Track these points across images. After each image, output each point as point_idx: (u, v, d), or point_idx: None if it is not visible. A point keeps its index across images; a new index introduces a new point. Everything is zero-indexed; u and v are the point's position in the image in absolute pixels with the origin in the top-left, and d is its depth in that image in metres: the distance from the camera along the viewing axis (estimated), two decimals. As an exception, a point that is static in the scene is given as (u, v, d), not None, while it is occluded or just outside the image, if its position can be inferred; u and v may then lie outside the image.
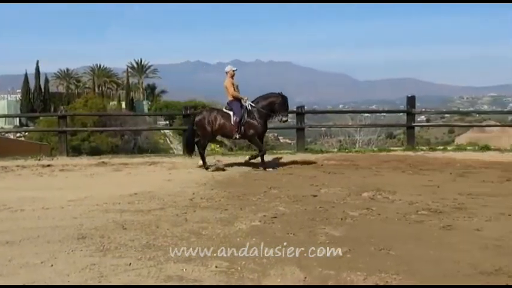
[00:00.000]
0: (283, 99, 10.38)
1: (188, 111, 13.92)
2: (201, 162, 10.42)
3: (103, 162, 11.80)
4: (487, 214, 5.79)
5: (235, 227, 5.39)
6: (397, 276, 3.82)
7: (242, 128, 10.20)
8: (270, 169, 9.99)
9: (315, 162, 10.99)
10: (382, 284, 3.71)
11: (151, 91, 78.88)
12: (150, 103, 72.68)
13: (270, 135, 45.38)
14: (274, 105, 10.32)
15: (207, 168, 10.13)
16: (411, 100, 14.14)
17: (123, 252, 4.56)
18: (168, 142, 48.52)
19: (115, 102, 66.29)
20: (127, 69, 76.51)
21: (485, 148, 13.31)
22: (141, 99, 75.48)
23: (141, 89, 77.98)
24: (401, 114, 15.00)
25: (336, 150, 15.04)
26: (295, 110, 13.91)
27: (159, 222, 5.61)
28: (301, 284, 3.78)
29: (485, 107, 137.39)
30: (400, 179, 8.70)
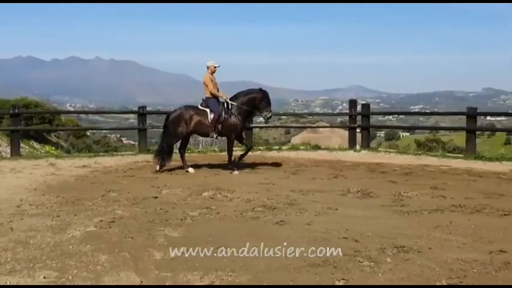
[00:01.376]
0: (264, 95, 9.93)
1: (17, 110, 13.00)
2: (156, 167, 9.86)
3: None
4: (316, 209, 6.23)
5: (68, 234, 5.09)
6: (232, 273, 3.93)
7: (219, 126, 9.76)
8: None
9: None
10: (218, 282, 3.79)
11: (-26, 88, 70.92)
12: (-27, 101, 65.28)
13: (112, 135, 43.66)
14: (255, 101, 9.88)
15: (187, 171, 9.66)
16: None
17: None
18: (-5, 145, 43.99)
19: None
20: None
21: (316, 147, 14.33)
22: (-38, 96, 67.47)
23: (-38, 86, 69.73)
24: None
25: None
26: (136, 110, 13.87)
27: (-22, 233, 5.07)
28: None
29: (318, 109, 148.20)
30: (239, 178, 8.98)
